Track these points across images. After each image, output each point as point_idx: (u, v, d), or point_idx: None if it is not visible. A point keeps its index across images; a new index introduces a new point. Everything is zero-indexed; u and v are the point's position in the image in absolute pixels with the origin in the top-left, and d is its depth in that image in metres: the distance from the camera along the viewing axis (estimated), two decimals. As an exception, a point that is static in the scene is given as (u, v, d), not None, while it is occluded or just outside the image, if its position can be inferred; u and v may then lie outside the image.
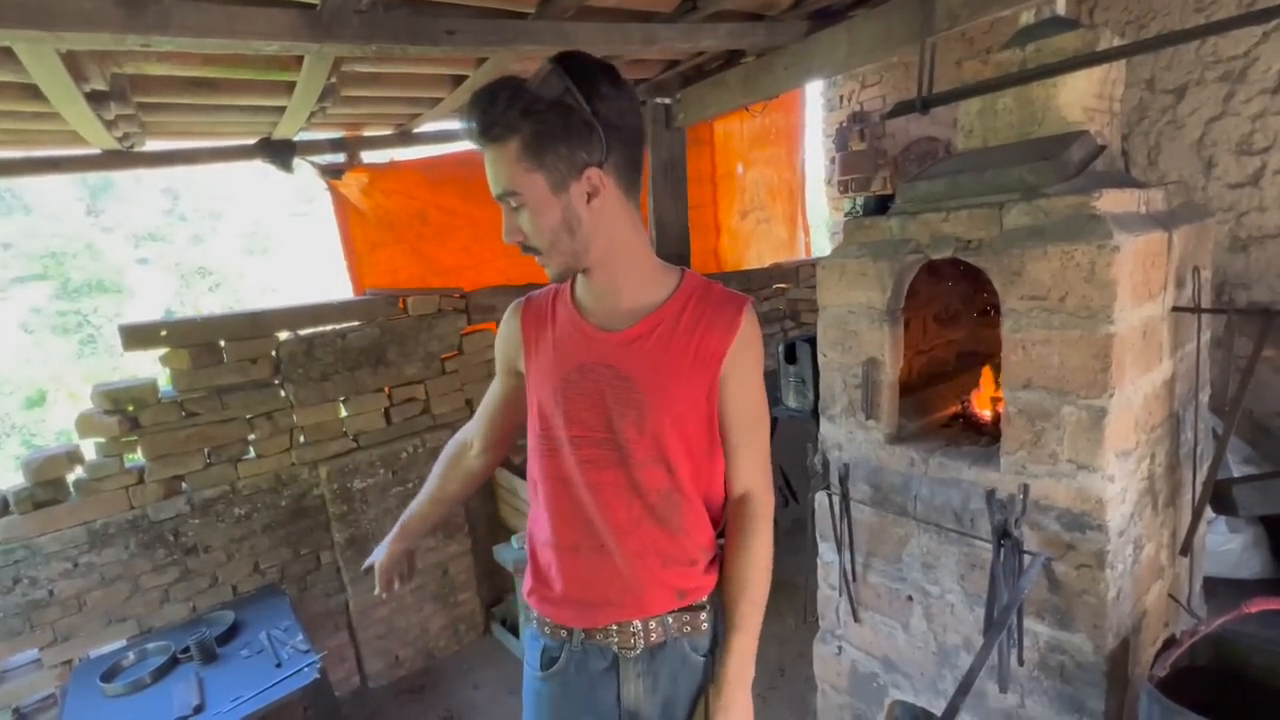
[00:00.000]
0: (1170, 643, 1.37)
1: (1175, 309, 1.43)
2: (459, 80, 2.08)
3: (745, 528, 1.01)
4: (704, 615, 1.00)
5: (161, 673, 1.86)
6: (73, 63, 1.37)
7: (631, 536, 0.96)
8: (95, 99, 1.57)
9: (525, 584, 1.08)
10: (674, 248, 2.81)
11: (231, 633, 2.05)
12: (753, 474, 1.01)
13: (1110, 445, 1.24)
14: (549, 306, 1.03)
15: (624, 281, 0.95)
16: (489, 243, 2.90)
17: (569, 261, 0.92)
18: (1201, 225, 1.60)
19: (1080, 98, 1.48)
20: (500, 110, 0.82)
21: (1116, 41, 1.45)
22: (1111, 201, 1.27)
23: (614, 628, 0.98)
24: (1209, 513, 1.69)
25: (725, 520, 1.04)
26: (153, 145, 2.28)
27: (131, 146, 2.17)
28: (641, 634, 0.98)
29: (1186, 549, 1.45)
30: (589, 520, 0.97)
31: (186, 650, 1.93)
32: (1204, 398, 1.72)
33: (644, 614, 0.98)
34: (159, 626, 2.19)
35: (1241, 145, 2.65)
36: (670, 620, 0.98)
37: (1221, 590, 2.32)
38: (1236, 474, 2.35)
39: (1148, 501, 1.43)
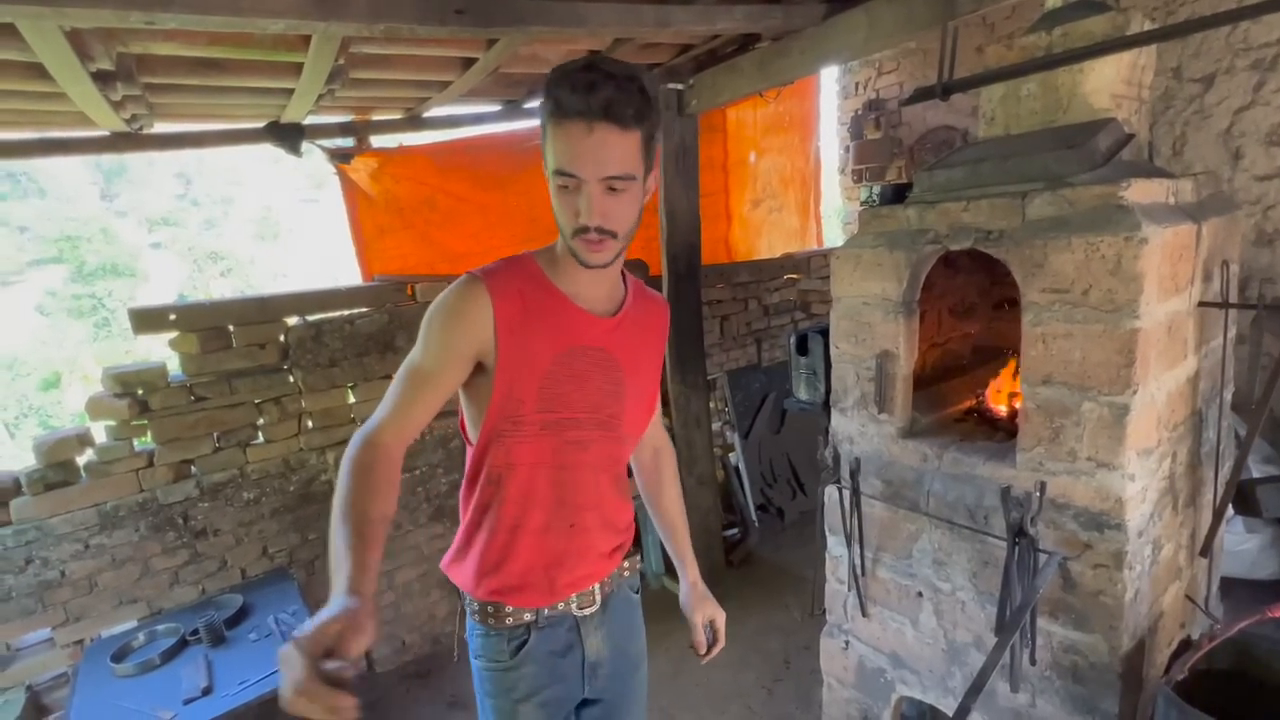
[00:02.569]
0: (1186, 645, 1.34)
1: (1202, 304, 1.39)
2: (469, 63, 2.04)
3: (670, 474, 1.28)
4: (637, 558, 1.17)
5: (171, 654, 1.87)
6: (78, 41, 1.35)
7: (596, 510, 1.04)
8: (101, 79, 1.55)
9: (470, 578, 1.01)
10: (684, 236, 2.77)
11: (240, 616, 2.06)
12: (662, 429, 1.27)
13: (1132, 443, 1.21)
14: (520, 288, 0.94)
15: (613, 275, 1.02)
16: (498, 229, 2.88)
17: (623, 249, 0.94)
18: (1231, 217, 1.55)
19: (1108, 84, 1.43)
20: (635, 98, 0.83)
21: (1147, 26, 1.40)
22: (1140, 192, 1.23)
23: (574, 596, 1.05)
24: (1228, 512, 1.65)
25: (641, 470, 1.28)
26: (161, 127, 2.27)
27: (140, 128, 2.15)
28: (598, 592, 1.08)
29: (1206, 550, 1.42)
30: (561, 500, 1.00)
31: (195, 633, 1.94)
32: (1227, 395, 1.68)
33: (600, 577, 1.08)
34: (168, 608, 2.21)
35: (1271, 136, 2.57)
36: (614, 572, 1.11)
37: (1237, 590, 2.28)
38: (1256, 473, 2.30)
39: (1168, 501, 1.39)
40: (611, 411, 1.02)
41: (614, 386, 1.01)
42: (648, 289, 1.11)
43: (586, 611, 1.07)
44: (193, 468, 2.26)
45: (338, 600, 0.70)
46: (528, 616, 1.01)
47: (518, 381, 0.93)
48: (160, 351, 2.30)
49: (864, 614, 1.74)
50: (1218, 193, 1.62)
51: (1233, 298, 1.51)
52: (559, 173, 0.86)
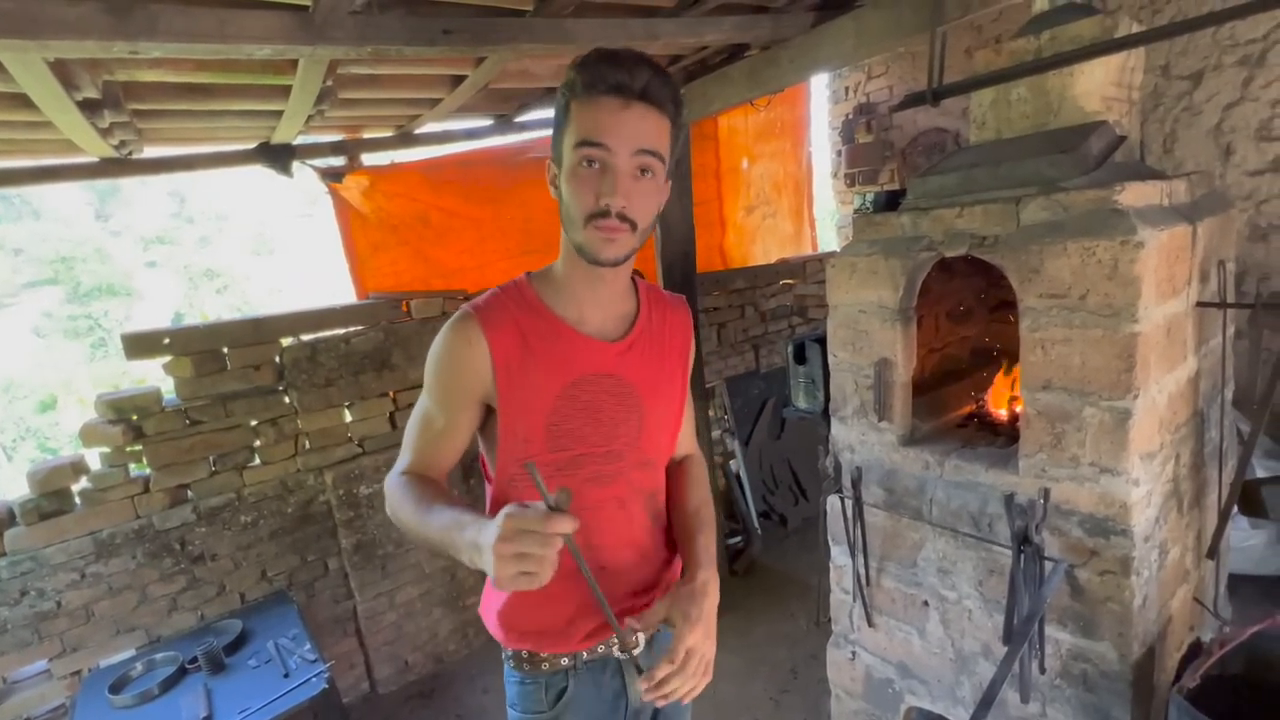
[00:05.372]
0: (1197, 648, 1.33)
1: (1200, 304, 1.38)
2: (458, 80, 2.04)
3: (699, 478, 1.09)
4: None
5: (170, 684, 1.85)
6: (62, 71, 1.35)
7: (631, 546, 0.96)
8: (88, 107, 1.54)
9: (498, 627, 0.96)
10: (679, 245, 2.76)
11: (239, 642, 2.04)
12: (692, 437, 1.13)
13: (1135, 447, 1.20)
14: (517, 318, 0.89)
15: (620, 287, 0.95)
16: (492, 244, 2.87)
17: (636, 249, 0.87)
18: (1226, 216, 1.54)
19: (1098, 87, 1.43)
20: (671, 88, 0.82)
21: (1135, 27, 1.40)
22: (1134, 195, 1.22)
23: (614, 637, 0.97)
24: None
25: (669, 476, 1.08)
26: (151, 152, 2.26)
27: (129, 154, 2.14)
28: (656, 640, 1.00)
29: (1213, 552, 1.40)
30: (586, 543, 0.92)
31: (194, 660, 1.91)
32: (1228, 394, 1.67)
33: (637, 613, 0.96)
34: (167, 636, 2.18)
35: (1261, 131, 2.57)
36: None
37: (1244, 587, 2.26)
38: (1259, 469, 2.29)
39: (1173, 504, 1.38)
40: (630, 439, 0.94)
41: (630, 413, 0.94)
42: (663, 293, 1.04)
43: (631, 652, 0.98)
44: (189, 492, 2.24)
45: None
46: (565, 662, 0.95)
47: (522, 422, 0.88)
48: (157, 372, 2.28)
49: (870, 624, 1.73)
50: (1211, 191, 1.62)
51: (1230, 296, 1.51)
52: (586, 143, 0.79)
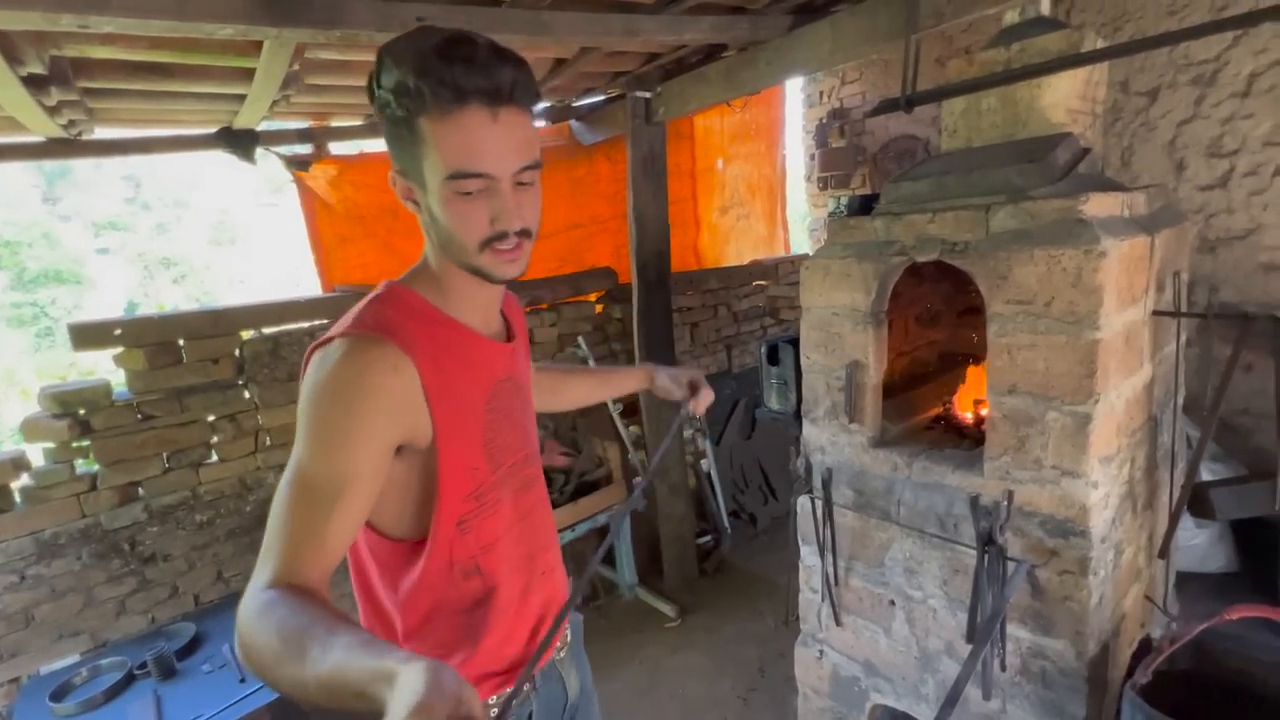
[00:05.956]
0: (1147, 644, 1.38)
1: (1156, 313, 1.43)
2: (431, 69, 1.99)
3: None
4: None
5: (116, 691, 1.77)
6: (5, 43, 1.27)
7: (553, 545, 0.96)
8: (33, 83, 1.46)
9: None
10: (654, 244, 2.76)
11: (192, 646, 1.96)
12: None
13: (1094, 451, 1.24)
14: (427, 334, 0.76)
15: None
16: (464, 238, 2.82)
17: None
18: (1180, 229, 1.60)
19: (1064, 99, 1.47)
20: (528, 71, 0.70)
21: (1099, 43, 1.44)
22: (1097, 205, 1.26)
23: (559, 645, 0.97)
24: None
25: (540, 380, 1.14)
26: (103, 133, 2.15)
27: (79, 134, 2.04)
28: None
29: (1165, 552, 1.46)
30: (531, 555, 0.89)
31: (144, 666, 1.83)
32: (1179, 399, 1.74)
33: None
34: (115, 640, 2.09)
35: (1211, 148, 2.69)
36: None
37: (1190, 585, 2.36)
38: (1205, 473, 2.39)
39: (1128, 506, 1.43)
40: (533, 442, 0.92)
41: (526, 411, 0.91)
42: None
43: (565, 652, 0.98)
44: (140, 490, 2.15)
45: (412, 672, 0.45)
46: (526, 686, 0.90)
47: (467, 451, 0.78)
48: (107, 364, 2.17)
49: (838, 623, 1.75)
50: (1167, 204, 1.68)
51: (1183, 306, 1.57)
52: (461, 175, 0.68)
